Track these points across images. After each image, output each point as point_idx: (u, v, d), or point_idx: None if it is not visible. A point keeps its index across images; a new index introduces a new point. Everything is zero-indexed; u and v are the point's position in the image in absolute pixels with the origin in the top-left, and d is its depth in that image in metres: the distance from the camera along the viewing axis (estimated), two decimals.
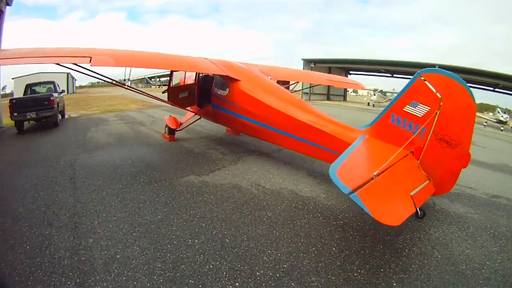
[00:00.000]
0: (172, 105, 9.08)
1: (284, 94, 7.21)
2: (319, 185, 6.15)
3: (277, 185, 6.04)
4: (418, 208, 3.64)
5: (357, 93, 59.74)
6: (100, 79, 7.70)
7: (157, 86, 77.37)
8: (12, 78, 49.99)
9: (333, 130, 5.63)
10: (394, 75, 39.65)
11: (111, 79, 7.88)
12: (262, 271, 3.40)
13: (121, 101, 26.57)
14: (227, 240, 4.05)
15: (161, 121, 13.92)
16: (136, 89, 9.73)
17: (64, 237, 4.11)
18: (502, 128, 29.53)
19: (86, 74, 6.65)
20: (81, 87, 68.25)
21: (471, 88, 4.00)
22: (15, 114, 11.92)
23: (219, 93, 8.37)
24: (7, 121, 14.18)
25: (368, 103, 35.41)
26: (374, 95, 34.26)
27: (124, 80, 9.93)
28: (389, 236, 4.18)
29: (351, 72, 42.34)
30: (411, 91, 4.33)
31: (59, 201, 5.31)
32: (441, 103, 4.02)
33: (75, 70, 6.28)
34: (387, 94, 35.80)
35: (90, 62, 5.14)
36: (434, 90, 4.06)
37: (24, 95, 14.00)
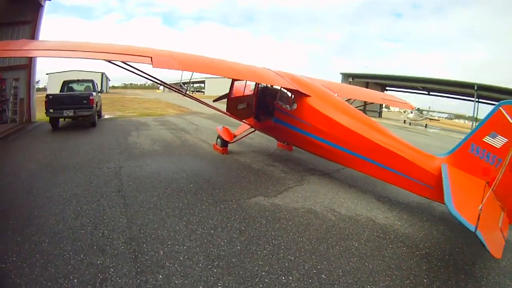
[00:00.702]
0: (230, 116, 8.67)
1: (357, 114, 7.06)
2: (391, 211, 5.88)
3: (352, 211, 5.70)
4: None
5: (389, 109, 60.09)
6: (155, 81, 7.30)
7: (191, 92, 79.87)
8: (47, 74, 52.85)
9: (412, 156, 5.57)
10: (431, 93, 40.11)
11: (165, 83, 8.21)
12: None
13: (157, 104, 26.63)
14: (323, 276, 3.62)
15: (205, 129, 13.55)
16: (195, 98, 9.31)
17: (123, 271, 3.34)
18: None
19: (138, 75, 6.36)
20: (114, 87, 70.86)
21: None
22: (51, 110, 11.69)
23: (285, 107, 8.09)
24: (41, 116, 14.06)
25: (405, 120, 35.80)
26: (411, 112, 33.49)
27: (180, 84, 10.47)
28: (467, 266, 4.21)
29: (387, 88, 42.23)
30: (491, 122, 4.59)
31: (108, 220, 4.47)
32: None
33: (126, 69, 5.96)
34: (423, 112, 35.88)
35: (151, 63, 4.87)
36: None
37: (61, 91, 13.84)
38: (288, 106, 8.09)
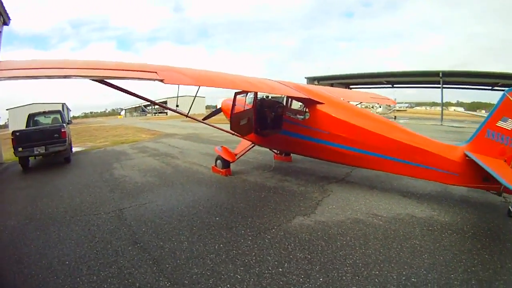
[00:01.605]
0: (233, 134, 7.90)
1: (373, 116, 6.97)
2: (421, 204, 5.92)
3: (391, 212, 5.53)
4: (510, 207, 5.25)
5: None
6: (147, 100, 6.80)
7: (153, 114, 76.31)
8: (7, 109, 48.69)
9: (437, 149, 5.70)
10: (395, 86, 40.82)
11: (168, 107, 8.24)
12: None
13: (126, 130, 24.57)
14: (414, 279, 3.40)
15: (191, 152, 12.31)
16: (211, 124, 8.31)
17: None
18: None
19: (132, 95, 5.60)
20: (74, 117, 66.47)
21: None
22: (20, 149, 9.75)
23: (295, 118, 7.61)
24: (8, 155, 11.97)
25: None
26: (380, 107, 34.02)
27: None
28: (508, 235, 4.55)
29: (351, 86, 42.54)
30: (501, 108, 5.08)
31: None
32: None
33: (118, 89, 5.14)
34: (390, 106, 35.90)
35: (161, 79, 4.26)
36: None
37: (27, 126, 11.72)
38: (299, 116, 7.59)
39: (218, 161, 8.47)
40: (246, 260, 3.82)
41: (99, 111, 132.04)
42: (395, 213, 5.41)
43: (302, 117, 7.45)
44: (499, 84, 33.37)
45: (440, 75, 32.40)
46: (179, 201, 6.20)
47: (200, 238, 4.46)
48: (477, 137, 5.36)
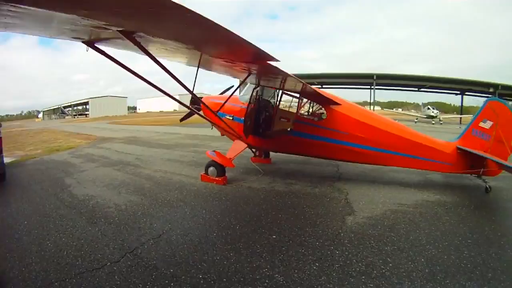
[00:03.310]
0: (238, 137, 7.16)
1: (382, 117, 7.15)
2: (422, 191, 6.38)
3: (410, 200, 5.82)
4: (487, 186, 6.27)
5: None
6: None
7: (73, 116, 66.13)
8: None
9: (437, 145, 6.49)
10: (324, 87, 41.97)
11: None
12: None
13: (54, 135, 19.63)
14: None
15: (151, 158, 10.08)
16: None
17: None
18: (433, 122, 32.69)
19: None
20: None
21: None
22: None
23: (310, 119, 7.20)
24: None
25: None
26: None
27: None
28: (490, 204, 5.98)
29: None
30: (483, 112, 6.33)
31: None
32: (498, 118, 6.13)
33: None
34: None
35: None
36: (494, 111, 6.18)
37: None
38: (314, 117, 7.19)
39: (211, 168, 6.79)
40: (354, 268, 3.35)
41: (15, 114, 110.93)
42: (413, 200, 5.75)
43: (318, 118, 6.89)
44: (426, 86, 37.36)
45: (374, 77, 34.88)
46: (201, 224, 4.54)
47: (283, 262, 3.43)
48: (465, 135, 6.49)
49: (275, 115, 7.52)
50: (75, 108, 71.83)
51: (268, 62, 4.43)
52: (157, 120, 33.62)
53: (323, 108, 6.93)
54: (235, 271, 3.18)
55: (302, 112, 7.46)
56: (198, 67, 5.35)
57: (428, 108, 37.58)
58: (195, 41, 3.86)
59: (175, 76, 4.99)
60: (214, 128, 8.17)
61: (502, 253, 3.70)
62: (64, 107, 70.89)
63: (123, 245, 3.84)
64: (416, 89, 40.52)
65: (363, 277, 3.11)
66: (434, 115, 35.41)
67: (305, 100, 7.52)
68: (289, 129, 7.26)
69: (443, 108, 43.70)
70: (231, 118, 7.34)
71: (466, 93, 40.25)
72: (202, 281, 3.02)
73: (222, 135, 8.17)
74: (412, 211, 5.15)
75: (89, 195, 6.04)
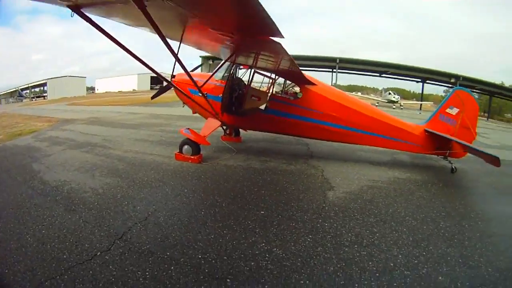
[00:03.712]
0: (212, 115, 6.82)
1: (356, 99, 7.38)
2: (392, 170, 6.77)
3: (383, 177, 6.12)
4: (453, 166, 6.82)
5: None
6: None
7: (31, 99, 60.29)
8: None
9: (407, 127, 6.84)
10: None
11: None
12: None
13: (13, 119, 17.47)
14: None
15: (118, 139, 9.47)
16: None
17: None
18: (394, 107, 33.80)
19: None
20: None
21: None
22: None
23: (286, 97, 7.32)
24: None
25: None
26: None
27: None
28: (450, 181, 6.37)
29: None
30: (450, 100, 6.81)
31: None
32: (463, 106, 6.61)
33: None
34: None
35: None
36: (461, 99, 6.68)
37: None
38: (290, 96, 7.30)
39: (186, 147, 6.55)
40: (345, 238, 3.59)
41: None
42: (386, 177, 6.07)
43: (294, 97, 6.95)
44: (389, 72, 37.89)
45: (337, 61, 34.91)
46: (186, 203, 4.46)
47: (278, 236, 3.58)
48: (433, 119, 6.93)
49: (247, 93, 7.38)
50: (32, 90, 65.63)
51: (272, 37, 3.77)
52: (116, 100, 31.64)
53: (297, 87, 6.97)
54: (233, 248, 3.18)
55: (277, 90, 7.47)
56: (181, 38, 4.95)
57: (389, 93, 38.22)
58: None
59: (172, 51, 4.64)
60: (185, 106, 7.83)
61: (474, 225, 4.14)
62: (22, 89, 64.54)
63: (110, 231, 3.62)
64: (378, 74, 41.35)
65: (355, 246, 3.32)
66: (395, 100, 36.37)
67: (280, 79, 7.41)
68: (264, 107, 7.17)
69: (402, 94, 45.34)
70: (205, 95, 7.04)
71: (427, 81, 41.55)
72: (203, 261, 2.96)
73: (194, 113, 7.83)
74: (387, 187, 5.44)
75: (61, 180, 5.55)
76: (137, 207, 4.25)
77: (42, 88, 67.75)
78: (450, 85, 37.82)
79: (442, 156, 6.85)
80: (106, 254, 3.12)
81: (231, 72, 7.04)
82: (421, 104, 39.20)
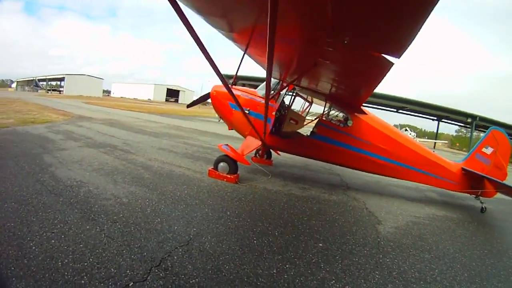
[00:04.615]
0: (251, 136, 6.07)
1: (401, 133, 6.79)
2: (428, 207, 6.39)
3: (421, 213, 5.76)
4: (483, 206, 6.55)
5: None
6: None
7: (47, 91, 59.30)
8: None
9: (447, 165, 6.44)
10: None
11: None
12: None
13: (27, 106, 16.36)
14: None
15: (140, 144, 8.53)
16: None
17: None
18: None
19: None
20: None
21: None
22: None
23: (335, 124, 6.54)
24: None
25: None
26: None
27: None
28: (476, 224, 5.77)
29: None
30: (486, 140, 6.70)
31: None
32: (498, 146, 6.53)
33: None
34: None
35: None
36: (496, 139, 6.61)
37: None
38: (340, 123, 6.58)
39: (222, 164, 5.67)
40: (410, 274, 3.20)
41: None
42: (425, 214, 5.72)
43: (344, 124, 6.20)
44: (407, 108, 35.90)
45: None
46: (233, 228, 3.53)
47: (345, 272, 2.96)
48: (470, 158, 6.69)
49: (287, 116, 6.81)
50: (49, 83, 64.88)
51: (384, 55, 2.79)
52: (133, 107, 30.94)
53: (348, 115, 6.23)
54: (303, 287, 2.24)
55: (328, 116, 6.93)
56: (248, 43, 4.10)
57: (406, 130, 36.93)
58: None
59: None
60: (221, 121, 7.07)
61: None
62: (39, 80, 63.84)
63: (143, 254, 2.65)
64: (395, 110, 39.62)
65: (421, 282, 3.03)
66: (412, 137, 35.37)
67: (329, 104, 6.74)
68: (309, 132, 6.49)
69: (415, 131, 44.28)
70: (246, 111, 6.17)
71: (443, 120, 40.01)
72: None
73: (230, 129, 6.96)
74: (430, 223, 5.15)
75: (77, 180, 4.58)
76: (173, 227, 3.30)
77: (59, 82, 67.14)
78: (464, 125, 36.67)
79: (475, 196, 6.45)
80: (142, 286, 2.15)
81: (285, 92, 6.41)
82: (435, 143, 37.60)
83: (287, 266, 2.78)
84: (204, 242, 3.01)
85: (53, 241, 2.71)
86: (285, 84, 5.83)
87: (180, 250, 2.78)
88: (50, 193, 3.89)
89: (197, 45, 2.44)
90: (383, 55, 2.77)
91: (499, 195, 6.56)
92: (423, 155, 6.22)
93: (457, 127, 55.58)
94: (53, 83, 67.16)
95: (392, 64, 2.92)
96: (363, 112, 6.01)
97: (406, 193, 7.34)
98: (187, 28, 2.24)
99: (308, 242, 3.39)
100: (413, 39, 2.26)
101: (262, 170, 6.85)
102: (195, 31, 2.30)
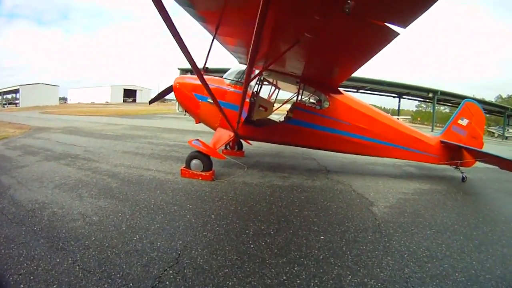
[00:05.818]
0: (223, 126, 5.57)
1: (378, 110, 6.55)
2: (412, 182, 6.40)
3: (409, 189, 5.77)
4: (464, 175, 6.71)
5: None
6: None
7: (2, 106, 53.91)
8: None
9: (426, 139, 6.48)
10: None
11: None
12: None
13: None
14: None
15: (102, 150, 7.81)
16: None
17: None
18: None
19: None
20: None
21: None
22: None
23: (312, 107, 6.29)
24: None
25: None
26: None
27: None
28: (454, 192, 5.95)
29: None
30: (461, 112, 6.82)
31: None
32: (473, 117, 6.69)
33: None
34: None
35: None
36: (470, 111, 6.74)
37: None
38: (316, 105, 6.38)
39: (195, 161, 5.21)
40: (420, 254, 3.18)
41: None
42: (412, 189, 5.73)
43: (320, 106, 6.01)
44: (367, 87, 36.25)
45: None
46: (223, 234, 3.19)
47: (358, 264, 2.79)
48: (447, 130, 6.82)
49: (256, 103, 6.46)
50: (4, 96, 59.26)
51: (388, 24, 2.48)
52: (91, 111, 28.97)
53: (325, 96, 5.95)
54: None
55: (304, 99, 6.68)
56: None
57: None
58: None
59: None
60: (187, 114, 6.53)
61: (509, 226, 4.20)
62: None
63: (128, 285, 2.19)
64: (355, 90, 39.89)
65: (434, 260, 2.99)
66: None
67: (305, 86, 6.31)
68: (285, 118, 6.24)
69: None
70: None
71: (404, 96, 40.50)
72: None
73: (197, 122, 6.42)
74: (419, 198, 5.17)
75: (39, 201, 3.93)
76: (156, 243, 2.87)
77: (14, 95, 61.68)
78: (425, 100, 37.54)
79: (455, 166, 6.65)
80: None
81: (262, 78, 6.11)
82: (397, 119, 38.84)
83: (295, 269, 2.54)
84: (195, 256, 2.64)
85: (22, 286, 2.18)
86: (256, 68, 5.45)
87: (171, 271, 2.39)
88: (11, 222, 3.27)
89: (170, 30, 2.05)
90: (386, 24, 2.45)
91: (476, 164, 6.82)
92: (402, 131, 6.21)
93: (417, 103, 57.92)
94: (9, 96, 61.50)
95: (397, 34, 2.63)
96: (339, 92, 5.81)
97: (386, 170, 7.42)
98: (159, 12, 1.84)
99: (309, 237, 3.19)
100: (430, 6, 1.94)
101: (236, 163, 6.41)
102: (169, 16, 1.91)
